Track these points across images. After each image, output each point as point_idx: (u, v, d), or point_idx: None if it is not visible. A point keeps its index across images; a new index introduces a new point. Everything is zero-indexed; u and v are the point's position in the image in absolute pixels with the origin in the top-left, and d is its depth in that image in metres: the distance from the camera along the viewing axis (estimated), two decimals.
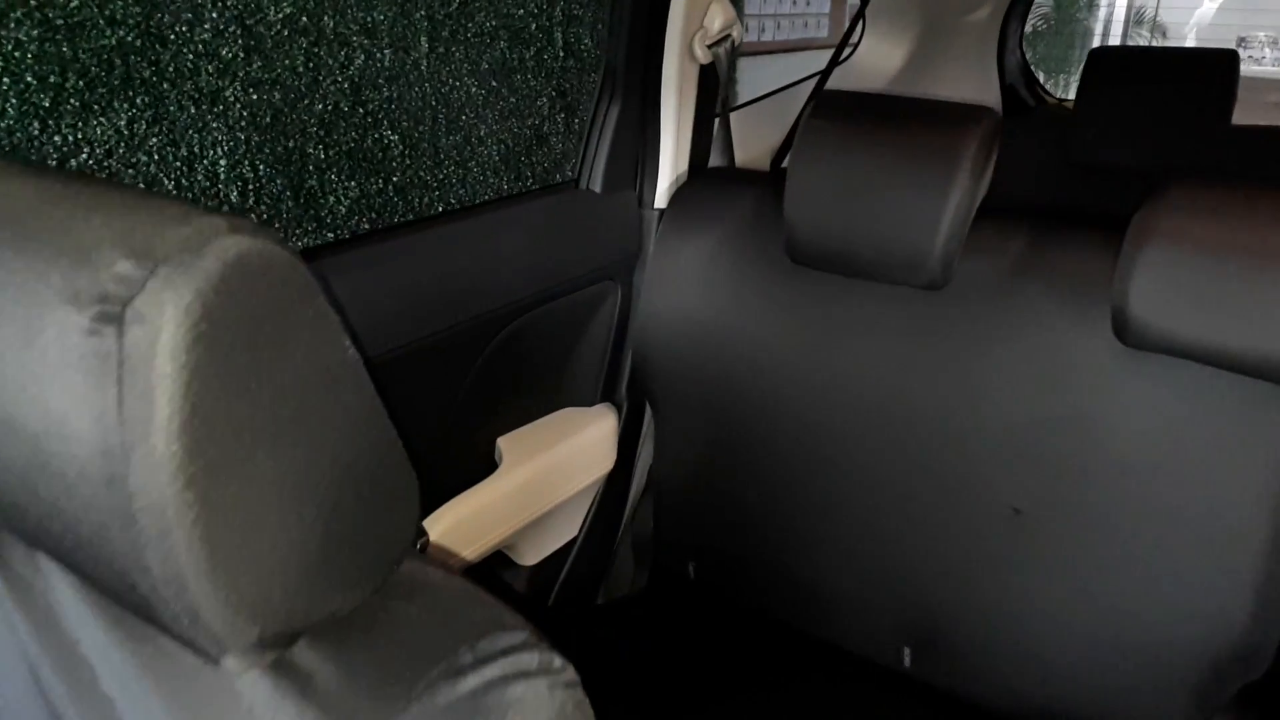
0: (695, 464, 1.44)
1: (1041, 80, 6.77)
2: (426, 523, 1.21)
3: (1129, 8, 6.92)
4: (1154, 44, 7.15)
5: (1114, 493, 1.15)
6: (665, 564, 1.53)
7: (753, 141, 1.80)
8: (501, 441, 1.35)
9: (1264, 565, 1.09)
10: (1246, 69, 5.58)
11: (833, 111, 1.27)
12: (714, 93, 1.51)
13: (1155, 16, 6.95)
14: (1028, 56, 6.87)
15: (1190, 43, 7.11)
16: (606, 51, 1.40)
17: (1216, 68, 1.90)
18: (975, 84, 2.25)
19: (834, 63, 1.62)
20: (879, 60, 2.05)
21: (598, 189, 1.43)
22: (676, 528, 1.50)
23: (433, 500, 1.25)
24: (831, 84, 2.05)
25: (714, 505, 1.44)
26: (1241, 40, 6.92)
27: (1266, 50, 6.90)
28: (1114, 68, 1.96)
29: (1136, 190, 2.05)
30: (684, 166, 1.51)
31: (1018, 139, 2.10)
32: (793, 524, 1.37)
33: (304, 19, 1.07)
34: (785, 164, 1.43)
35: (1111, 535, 1.16)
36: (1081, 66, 1.98)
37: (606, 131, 1.42)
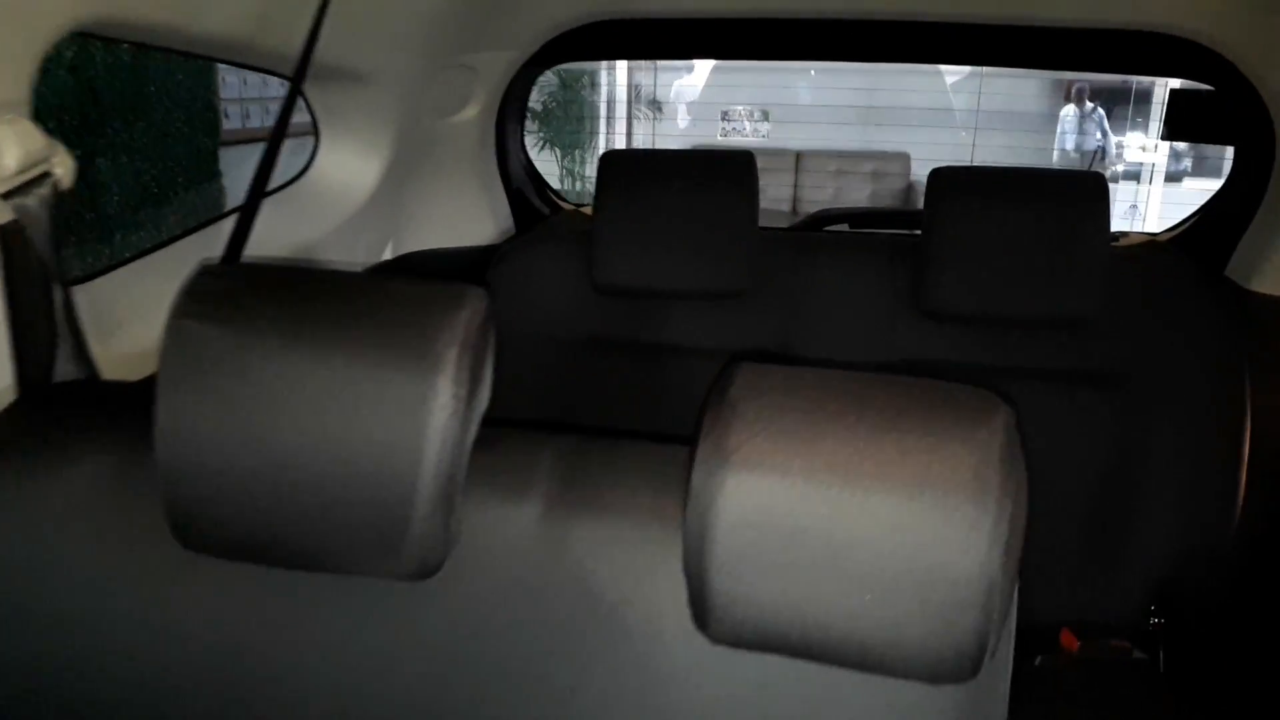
0: None
1: (559, 160, 6.78)
2: None
3: (629, 86, 7.24)
4: (651, 118, 7.55)
5: None
6: None
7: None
8: None
9: None
10: (730, 140, 5.95)
11: (218, 300, 0.77)
12: (35, 264, 0.92)
13: (654, 95, 7.36)
14: (541, 135, 6.77)
15: (682, 117, 7.60)
16: None
17: (736, 169, 1.67)
18: (478, 192, 1.86)
19: (259, 191, 1.09)
20: (346, 172, 1.57)
21: None
22: None
23: None
24: (284, 210, 1.53)
25: None
26: (724, 113, 7.53)
27: (746, 123, 7.57)
28: (628, 174, 1.66)
29: (666, 314, 1.79)
30: (6, 381, 0.92)
31: (533, 258, 1.74)
32: None
33: None
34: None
35: None
36: (592, 146, 1.66)
37: None
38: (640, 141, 7.62)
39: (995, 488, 0.69)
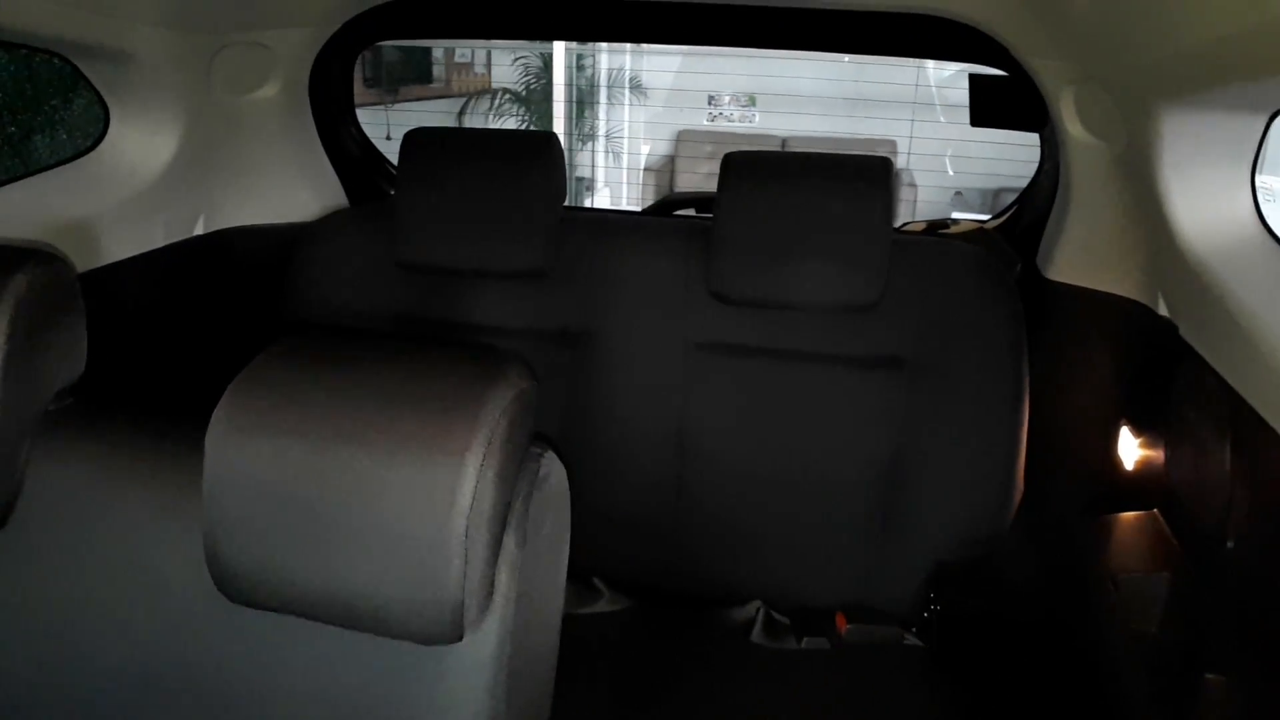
0: None
1: None
2: None
3: (605, 69, 7.22)
4: (635, 103, 7.52)
5: None
6: None
7: None
8: None
9: None
10: (720, 126, 5.88)
11: None
12: None
13: (638, 80, 7.31)
14: (523, 117, 6.70)
15: (661, 102, 7.53)
16: None
17: (538, 149, 1.68)
18: (298, 170, 1.88)
19: None
20: (138, 147, 1.60)
21: None
22: None
23: None
24: (71, 185, 1.56)
25: None
26: (711, 99, 7.48)
27: (734, 109, 7.52)
28: (430, 151, 1.68)
29: (469, 293, 1.80)
30: None
31: (337, 236, 1.76)
32: None
33: None
34: None
35: None
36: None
37: None
38: (622, 127, 7.60)
39: (476, 452, 0.71)
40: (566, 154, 7.45)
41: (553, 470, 0.85)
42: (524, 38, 5.88)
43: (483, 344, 0.85)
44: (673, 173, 7.47)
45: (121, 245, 1.59)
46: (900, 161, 7.05)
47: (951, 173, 6.61)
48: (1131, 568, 1.39)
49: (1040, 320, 1.64)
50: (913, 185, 6.85)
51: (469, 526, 0.71)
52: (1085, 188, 1.53)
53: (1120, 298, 1.52)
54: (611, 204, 7.27)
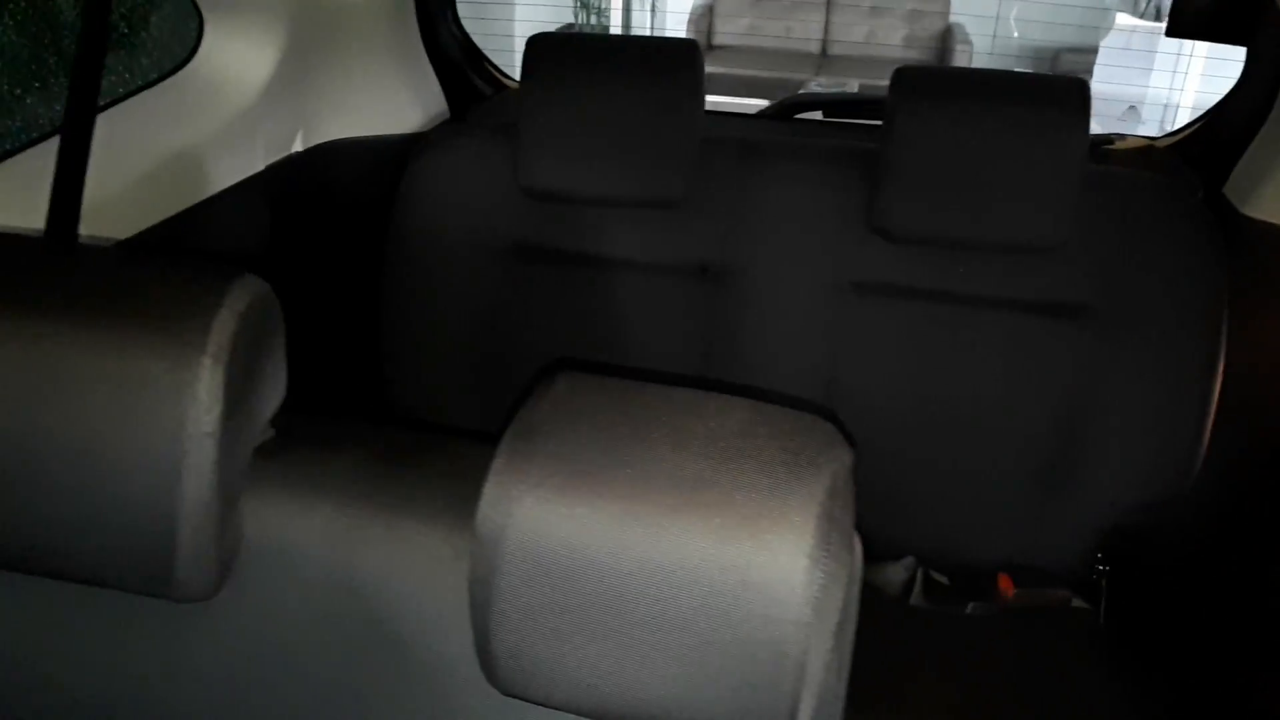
0: None
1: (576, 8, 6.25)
2: None
3: None
4: None
5: None
6: None
7: None
8: None
9: None
10: None
11: None
12: None
13: None
14: None
15: None
16: None
17: (677, 61, 1.48)
18: (401, 74, 1.69)
19: (89, 102, 0.97)
20: (238, 58, 1.42)
21: None
22: None
23: None
24: (164, 107, 1.39)
25: None
26: None
27: None
28: (556, 64, 1.48)
29: (598, 222, 1.64)
30: None
31: (453, 153, 1.58)
32: None
33: None
34: None
35: None
36: None
37: None
38: None
39: (819, 538, 0.59)
40: (621, 12, 7.03)
41: (858, 550, 0.73)
42: None
43: (778, 393, 0.71)
44: (710, 24, 7.06)
45: (225, 171, 1.43)
46: (953, 15, 6.64)
47: (1016, 34, 6.22)
48: None
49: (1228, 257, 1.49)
50: (966, 43, 6.48)
51: (807, 636, 0.60)
52: None
53: None
54: None
